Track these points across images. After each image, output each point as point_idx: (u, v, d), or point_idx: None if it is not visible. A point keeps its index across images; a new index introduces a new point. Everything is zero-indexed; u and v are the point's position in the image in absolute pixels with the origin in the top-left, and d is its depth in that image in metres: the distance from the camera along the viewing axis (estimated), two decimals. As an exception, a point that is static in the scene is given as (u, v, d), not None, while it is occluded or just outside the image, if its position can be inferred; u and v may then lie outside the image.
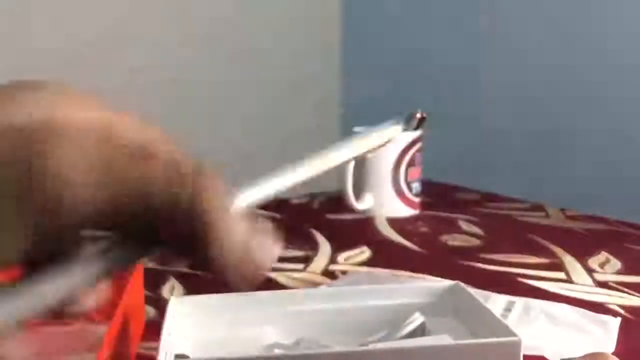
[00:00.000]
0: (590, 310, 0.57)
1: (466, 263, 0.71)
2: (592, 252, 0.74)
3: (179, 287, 0.64)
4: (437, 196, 1.02)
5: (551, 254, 0.74)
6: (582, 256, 0.73)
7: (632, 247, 0.76)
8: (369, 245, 0.78)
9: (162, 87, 1.47)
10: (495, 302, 0.57)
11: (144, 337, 0.53)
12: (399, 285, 0.51)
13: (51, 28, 1.34)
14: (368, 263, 0.72)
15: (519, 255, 0.74)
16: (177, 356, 0.44)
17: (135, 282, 0.50)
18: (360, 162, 0.90)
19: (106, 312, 0.47)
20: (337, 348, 0.44)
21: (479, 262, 0.72)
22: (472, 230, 0.84)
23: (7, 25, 1.30)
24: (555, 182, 1.23)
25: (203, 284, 0.65)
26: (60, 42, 1.35)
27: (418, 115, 1.04)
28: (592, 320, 0.54)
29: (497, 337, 0.43)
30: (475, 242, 0.79)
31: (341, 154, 0.32)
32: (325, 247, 0.77)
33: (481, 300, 0.47)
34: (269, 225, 0.25)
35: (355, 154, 0.33)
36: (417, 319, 0.47)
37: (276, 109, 1.62)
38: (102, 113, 0.23)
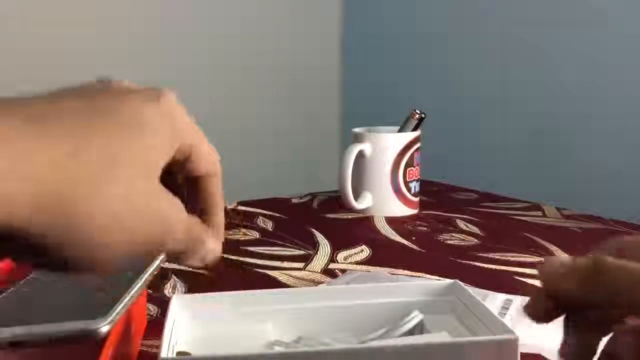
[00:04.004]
0: (586, 308, 0.57)
1: (464, 262, 0.72)
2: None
3: (180, 286, 0.65)
4: (436, 196, 1.03)
5: (548, 253, 0.74)
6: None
7: (628, 246, 0.77)
8: (368, 244, 0.79)
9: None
10: (493, 301, 0.58)
11: (146, 335, 0.53)
12: (398, 283, 0.52)
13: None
14: (367, 262, 0.72)
15: (517, 254, 0.74)
16: (178, 353, 0.44)
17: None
18: (360, 162, 0.90)
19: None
20: (337, 345, 0.45)
21: (477, 261, 0.72)
22: (470, 230, 0.85)
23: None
24: (552, 181, 1.23)
25: (204, 283, 0.66)
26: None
27: (417, 115, 1.05)
28: (589, 318, 0.55)
29: (495, 335, 0.43)
30: (473, 241, 0.80)
31: None
32: (324, 246, 0.78)
33: (479, 298, 0.47)
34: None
35: None
36: (416, 317, 0.48)
37: (276, 109, 1.62)
38: None
